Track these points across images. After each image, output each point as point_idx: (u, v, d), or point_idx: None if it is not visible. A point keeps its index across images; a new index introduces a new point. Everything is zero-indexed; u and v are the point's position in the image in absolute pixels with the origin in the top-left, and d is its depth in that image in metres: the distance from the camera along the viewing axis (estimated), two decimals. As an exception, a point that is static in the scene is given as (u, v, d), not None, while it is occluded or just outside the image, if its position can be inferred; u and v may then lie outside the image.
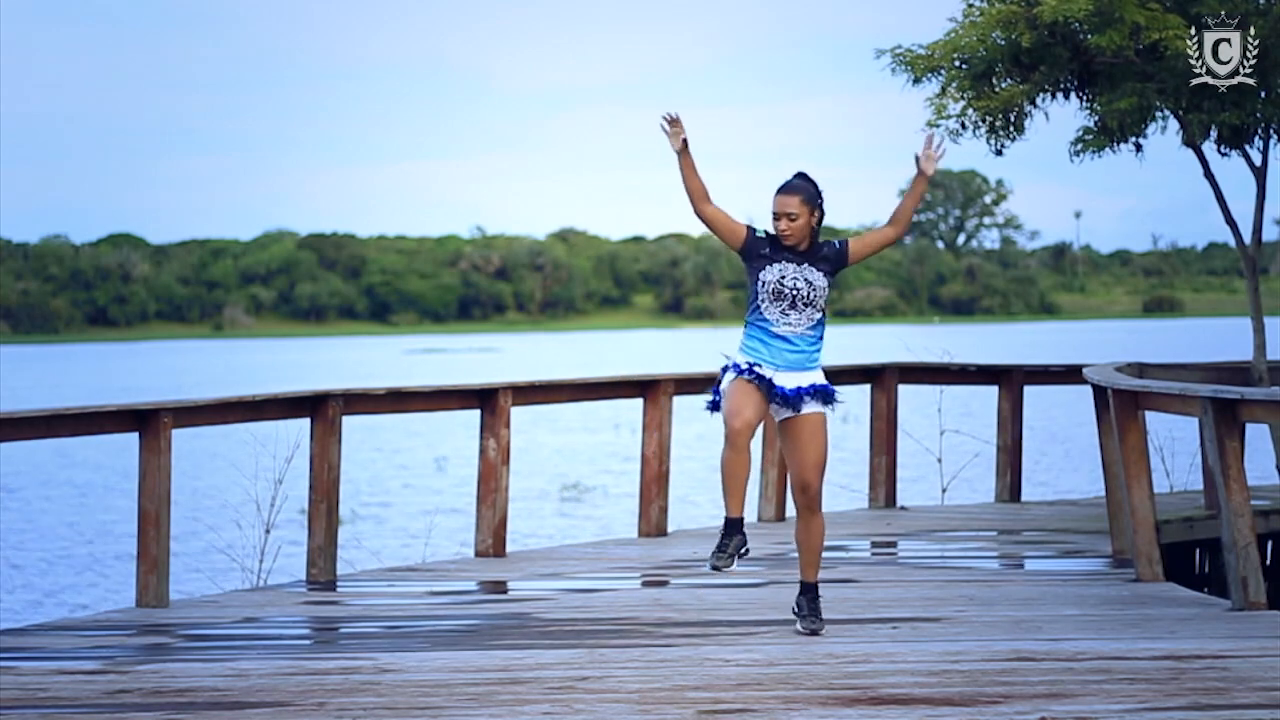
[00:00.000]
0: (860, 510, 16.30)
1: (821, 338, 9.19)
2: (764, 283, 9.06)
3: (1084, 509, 15.80)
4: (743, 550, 9.17)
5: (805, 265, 9.07)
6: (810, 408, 9.09)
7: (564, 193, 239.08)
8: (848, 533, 14.33)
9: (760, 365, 9.06)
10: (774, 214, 9.11)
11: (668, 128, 9.22)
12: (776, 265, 9.06)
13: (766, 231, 9.15)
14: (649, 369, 14.86)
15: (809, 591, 9.37)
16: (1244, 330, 15.26)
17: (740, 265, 9.50)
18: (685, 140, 9.21)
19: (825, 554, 13.01)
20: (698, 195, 9.18)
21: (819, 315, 9.12)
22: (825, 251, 9.12)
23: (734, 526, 9.11)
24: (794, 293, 9.04)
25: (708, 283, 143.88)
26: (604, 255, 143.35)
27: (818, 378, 9.12)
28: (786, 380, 9.07)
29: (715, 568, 9.15)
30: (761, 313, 9.10)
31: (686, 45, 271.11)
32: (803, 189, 9.09)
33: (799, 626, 9.35)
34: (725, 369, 9.15)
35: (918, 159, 9.22)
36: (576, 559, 13.00)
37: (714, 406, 9.15)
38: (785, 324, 9.08)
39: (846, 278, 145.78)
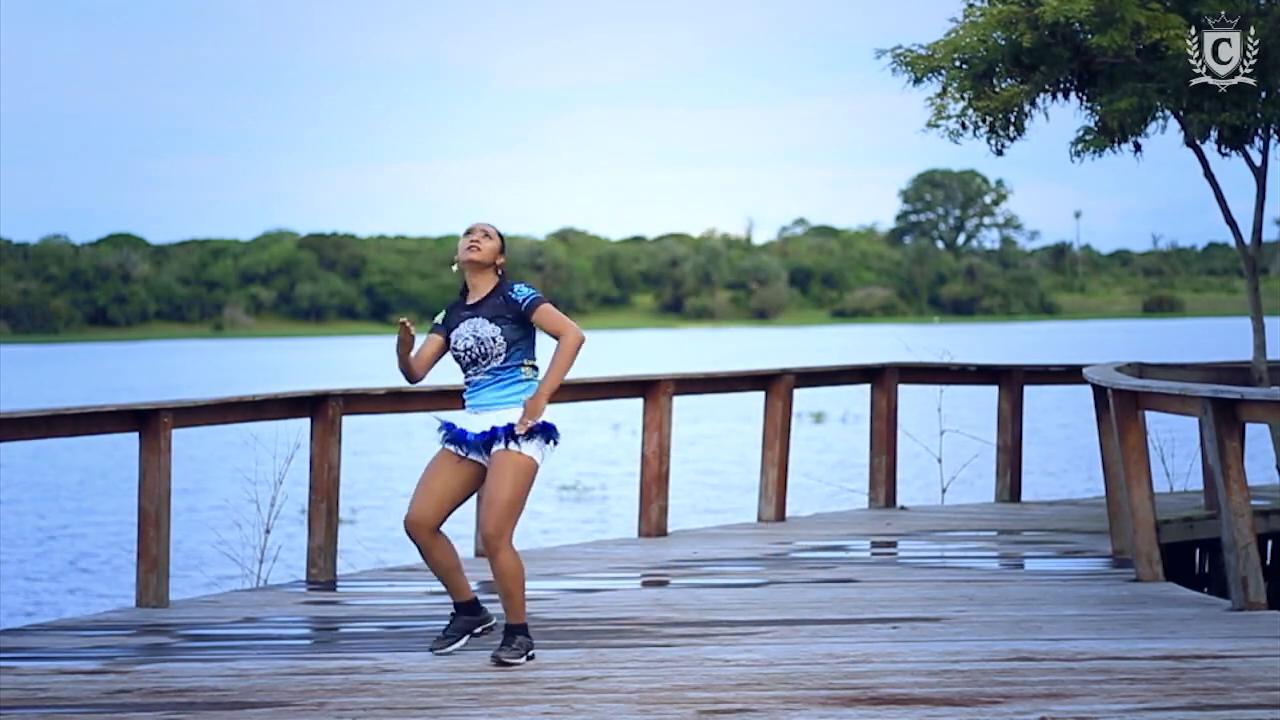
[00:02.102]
0: (860, 510, 16.31)
1: (518, 375, 8.74)
2: (453, 348, 8.83)
3: (1084, 509, 15.80)
4: (476, 630, 8.92)
5: (473, 320, 8.77)
6: (501, 445, 8.64)
7: (564, 193, 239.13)
8: (848, 533, 14.34)
9: (464, 416, 8.78)
10: (466, 231, 8.85)
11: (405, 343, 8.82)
12: (453, 332, 8.82)
13: (450, 304, 8.93)
14: (649, 369, 14.89)
15: (509, 630, 8.66)
16: (1244, 330, 15.27)
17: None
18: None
19: (825, 554, 13.06)
20: (413, 373, 8.85)
21: (499, 361, 8.73)
22: (497, 300, 8.76)
23: (459, 610, 8.90)
24: (466, 353, 8.76)
25: (708, 283, 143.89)
26: (604, 255, 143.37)
27: (514, 415, 8.68)
28: (478, 424, 8.73)
29: (432, 650, 8.87)
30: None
31: (686, 45, 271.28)
32: (494, 230, 8.92)
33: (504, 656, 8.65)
34: (440, 424, 8.93)
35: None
36: (576, 559, 13.00)
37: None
38: (475, 373, 8.77)
39: (845, 277, 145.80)
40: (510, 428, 8.64)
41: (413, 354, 8.88)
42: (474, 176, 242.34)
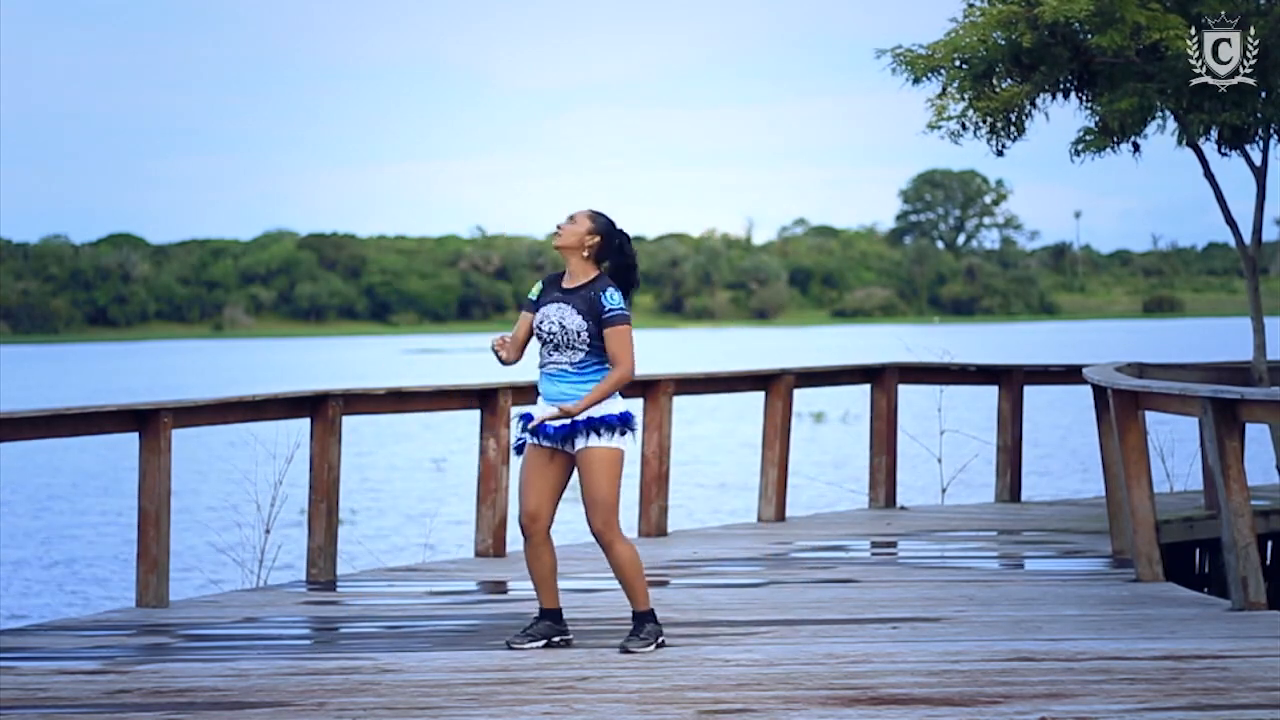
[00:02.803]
0: (860, 510, 16.31)
1: (597, 370, 8.92)
2: (536, 324, 8.99)
3: (1084, 509, 15.80)
4: (556, 639, 9.06)
5: (564, 305, 8.93)
6: (584, 442, 8.86)
7: (564, 193, 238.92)
8: (848, 533, 14.34)
9: (541, 407, 8.96)
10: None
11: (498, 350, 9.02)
12: (542, 309, 8.99)
13: (549, 276, 9.10)
14: (649, 369, 14.84)
15: (637, 618, 9.02)
16: (1244, 330, 15.26)
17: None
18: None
19: (825, 554, 13.06)
20: (511, 362, 9.06)
21: (581, 355, 8.91)
22: (590, 294, 8.92)
23: (545, 615, 9.10)
24: (550, 336, 8.93)
25: (708, 283, 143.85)
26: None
27: (595, 409, 8.88)
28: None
29: (510, 645, 9.05)
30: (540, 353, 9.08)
31: (686, 45, 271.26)
32: (598, 214, 9.03)
33: (631, 647, 8.94)
34: (520, 416, 9.12)
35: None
36: (576, 559, 12.99)
37: (518, 450, 9.08)
38: (551, 363, 8.97)
39: (845, 277, 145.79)
40: (590, 421, 8.84)
41: (509, 348, 9.00)
42: (474, 176, 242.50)
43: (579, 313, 8.91)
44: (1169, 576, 11.78)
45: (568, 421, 8.85)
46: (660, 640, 8.97)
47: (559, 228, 9.00)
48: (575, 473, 8.99)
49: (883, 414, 16.00)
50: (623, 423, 8.89)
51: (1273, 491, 15.31)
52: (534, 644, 9.03)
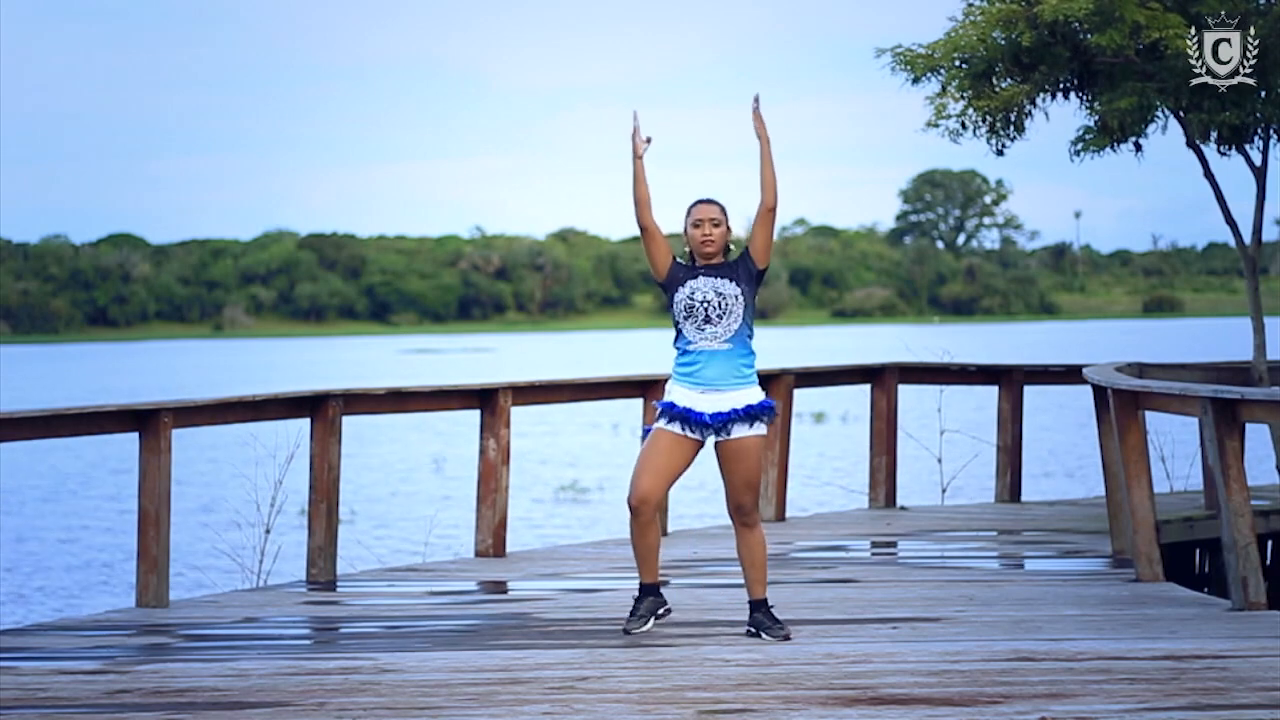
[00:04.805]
0: (860, 510, 16.31)
1: (747, 350, 9.10)
2: (676, 302, 9.09)
3: (1084, 509, 15.80)
4: (659, 612, 9.22)
5: (713, 278, 9.07)
6: (738, 431, 9.03)
7: (564, 193, 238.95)
8: (848, 533, 14.34)
9: (685, 393, 9.05)
10: (695, 222, 9.11)
11: (637, 137, 9.14)
12: (688, 283, 9.08)
13: (678, 257, 9.19)
14: (649, 369, 14.94)
15: (761, 608, 9.21)
16: (1244, 330, 15.27)
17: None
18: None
19: (825, 554, 13.07)
20: (647, 203, 9.14)
21: (737, 325, 9.05)
22: (730, 265, 9.15)
23: (647, 591, 9.23)
24: (705, 305, 9.03)
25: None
26: (604, 255, 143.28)
27: (749, 396, 9.04)
28: (709, 404, 9.03)
29: (627, 631, 9.21)
30: (682, 333, 9.12)
31: (686, 45, 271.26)
32: (718, 202, 9.20)
33: (768, 639, 9.13)
34: (657, 405, 9.18)
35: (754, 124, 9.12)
36: (576, 559, 13.00)
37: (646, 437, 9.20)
38: (702, 339, 9.06)
39: (845, 277, 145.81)
40: (749, 409, 8.99)
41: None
42: (474, 176, 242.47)
43: (730, 280, 9.04)
44: (1169, 576, 11.78)
45: (725, 411, 8.98)
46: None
47: (710, 238, 9.06)
48: (719, 460, 9.08)
49: (883, 414, 16.00)
50: (771, 411, 9.08)
51: (1273, 491, 15.32)
52: (646, 625, 9.17)
